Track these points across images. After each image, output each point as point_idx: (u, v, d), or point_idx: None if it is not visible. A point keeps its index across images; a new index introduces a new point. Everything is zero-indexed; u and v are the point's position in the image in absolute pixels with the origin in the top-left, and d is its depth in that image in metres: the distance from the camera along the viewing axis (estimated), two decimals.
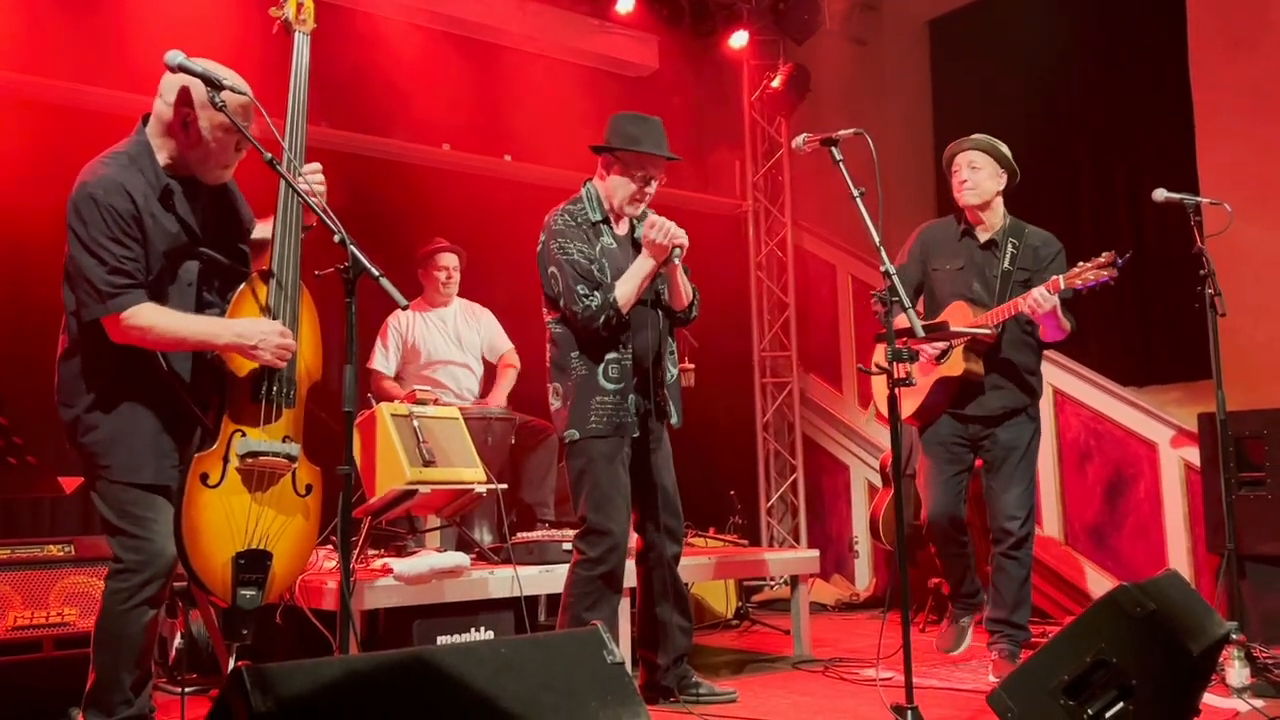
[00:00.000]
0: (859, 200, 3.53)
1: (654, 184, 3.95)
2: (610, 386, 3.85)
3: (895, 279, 3.46)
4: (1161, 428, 6.08)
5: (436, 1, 6.94)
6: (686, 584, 6.03)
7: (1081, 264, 4.16)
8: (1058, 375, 6.50)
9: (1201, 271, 4.39)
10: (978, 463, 4.60)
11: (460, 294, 5.93)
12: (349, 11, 6.47)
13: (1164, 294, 7.08)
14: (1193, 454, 5.72)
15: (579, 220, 3.94)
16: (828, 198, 7.58)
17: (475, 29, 7.18)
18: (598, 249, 3.90)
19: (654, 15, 7.48)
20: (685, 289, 4.00)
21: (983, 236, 4.55)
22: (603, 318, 3.77)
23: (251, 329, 3.07)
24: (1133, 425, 6.20)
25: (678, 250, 3.81)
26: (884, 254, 3.51)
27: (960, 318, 4.41)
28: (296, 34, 3.42)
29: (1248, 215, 5.19)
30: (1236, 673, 3.83)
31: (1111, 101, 7.54)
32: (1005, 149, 4.55)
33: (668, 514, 4.01)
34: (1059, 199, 7.67)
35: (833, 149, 3.62)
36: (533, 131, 7.03)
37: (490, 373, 5.93)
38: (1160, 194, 4.50)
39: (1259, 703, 3.71)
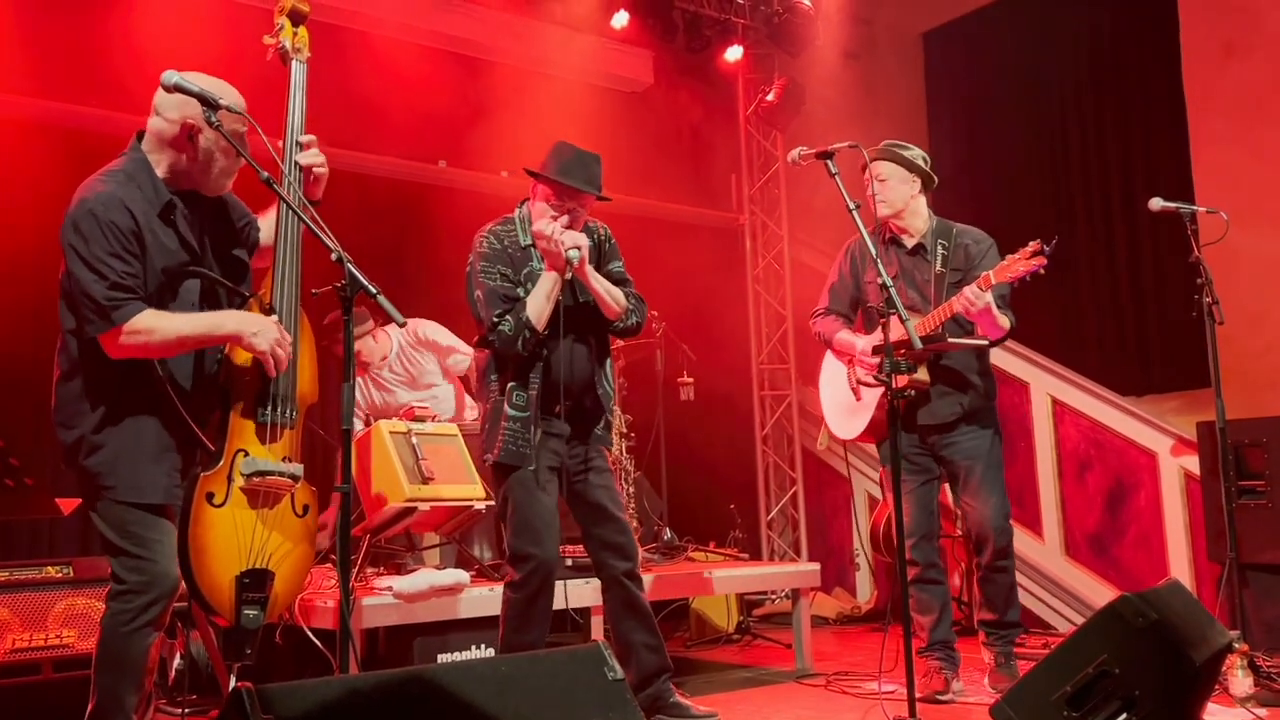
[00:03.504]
0: (855, 213, 3.54)
1: (570, 218, 3.77)
2: (514, 413, 3.76)
3: (892, 291, 3.47)
4: (1161, 437, 6.07)
5: (431, 19, 6.96)
6: (687, 599, 6.08)
7: (1010, 256, 4.08)
8: (1056, 385, 6.51)
9: (1199, 280, 4.40)
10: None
11: (435, 317, 5.82)
12: (343, 30, 6.49)
13: (1161, 303, 7.11)
14: (1192, 463, 5.72)
15: (506, 243, 3.85)
16: (824, 210, 7.59)
17: (470, 45, 7.20)
18: (523, 274, 3.81)
19: (648, 31, 7.50)
20: (610, 296, 3.84)
21: (909, 242, 4.48)
22: (519, 341, 3.69)
23: (253, 319, 3.10)
24: (1132, 434, 6.20)
25: (574, 253, 3.68)
26: (880, 266, 3.52)
27: (898, 326, 4.33)
28: (293, 63, 3.43)
29: (1243, 221, 5.19)
30: (1239, 682, 3.82)
31: (1105, 110, 7.58)
32: (914, 152, 4.47)
33: (609, 530, 3.91)
34: (1054, 209, 7.70)
35: (828, 162, 3.63)
36: (529, 147, 7.03)
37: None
38: (1156, 203, 4.51)
39: (1262, 712, 3.70)
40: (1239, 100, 6.52)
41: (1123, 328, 7.43)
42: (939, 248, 4.42)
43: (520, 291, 3.77)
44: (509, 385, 3.79)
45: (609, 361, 4.02)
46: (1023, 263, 4.02)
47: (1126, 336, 7.42)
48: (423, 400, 5.50)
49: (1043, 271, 4.02)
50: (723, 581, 5.31)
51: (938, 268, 4.39)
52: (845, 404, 4.59)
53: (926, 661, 4.35)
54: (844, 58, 8.16)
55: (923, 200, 4.49)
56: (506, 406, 3.78)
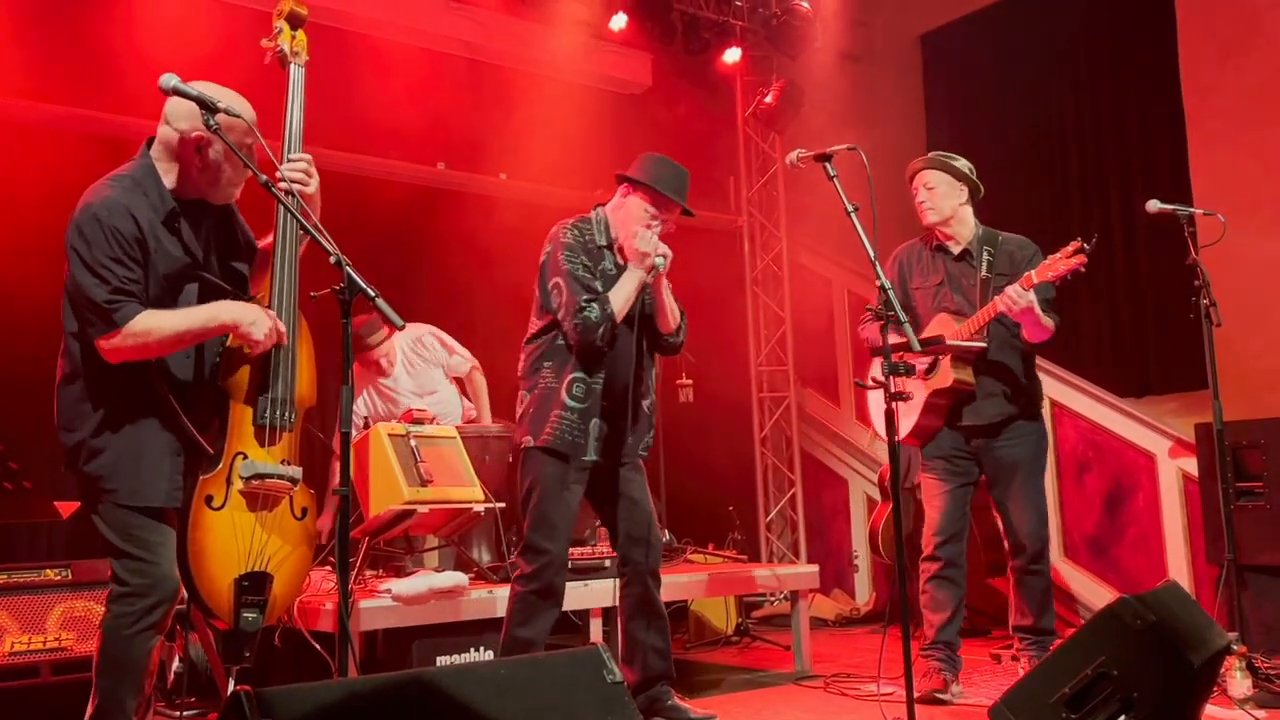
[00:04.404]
0: (853, 215, 3.54)
1: (661, 227, 3.92)
2: (572, 404, 3.82)
3: (890, 293, 3.47)
4: (1159, 438, 6.07)
5: (429, 21, 6.97)
6: (686, 601, 6.07)
7: (1051, 256, 4.19)
8: (1055, 387, 6.50)
9: (1196, 282, 4.41)
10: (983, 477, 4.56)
11: (435, 319, 5.86)
12: (342, 32, 6.50)
13: (1159, 305, 7.11)
14: (1191, 464, 5.72)
15: (585, 239, 3.96)
16: (823, 212, 7.59)
17: (468, 48, 7.21)
18: (598, 270, 3.91)
19: (646, 33, 7.50)
20: (672, 310, 3.98)
21: (955, 249, 4.58)
22: (601, 329, 3.76)
23: (248, 308, 3.11)
24: (1130, 436, 6.20)
25: (660, 260, 3.80)
26: (879, 268, 3.52)
27: (944, 330, 4.43)
28: (292, 66, 3.43)
29: (1240, 223, 5.20)
30: (1238, 683, 3.83)
31: (1103, 111, 7.58)
32: (961, 163, 4.57)
33: (641, 526, 3.97)
34: (1051, 210, 7.70)
35: (827, 164, 3.64)
36: (527, 149, 7.05)
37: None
38: (1154, 205, 4.52)
39: (1261, 713, 3.70)
40: (1237, 101, 6.52)
41: (1121, 329, 7.43)
42: (985, 254, 4.50)
43: (597, 284, 3.86)
44: (571, 377, 3.84)
45: (654, 369, 4.10)
46: (1063, 261, 4.13)
47: (1124, 338, 7.42)
48: (427, 405, 5.53)
49: (1083, 270, 4.12)
50: (721, 583, 5.31)
51: (983, 273, 4.47)
52: None
53: (927, 661, 4.36)
54: (842, 60, 8.17)
55: (969, 209, 4.59)
56: (565, 396, 3.83)
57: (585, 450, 3.83)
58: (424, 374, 5.74)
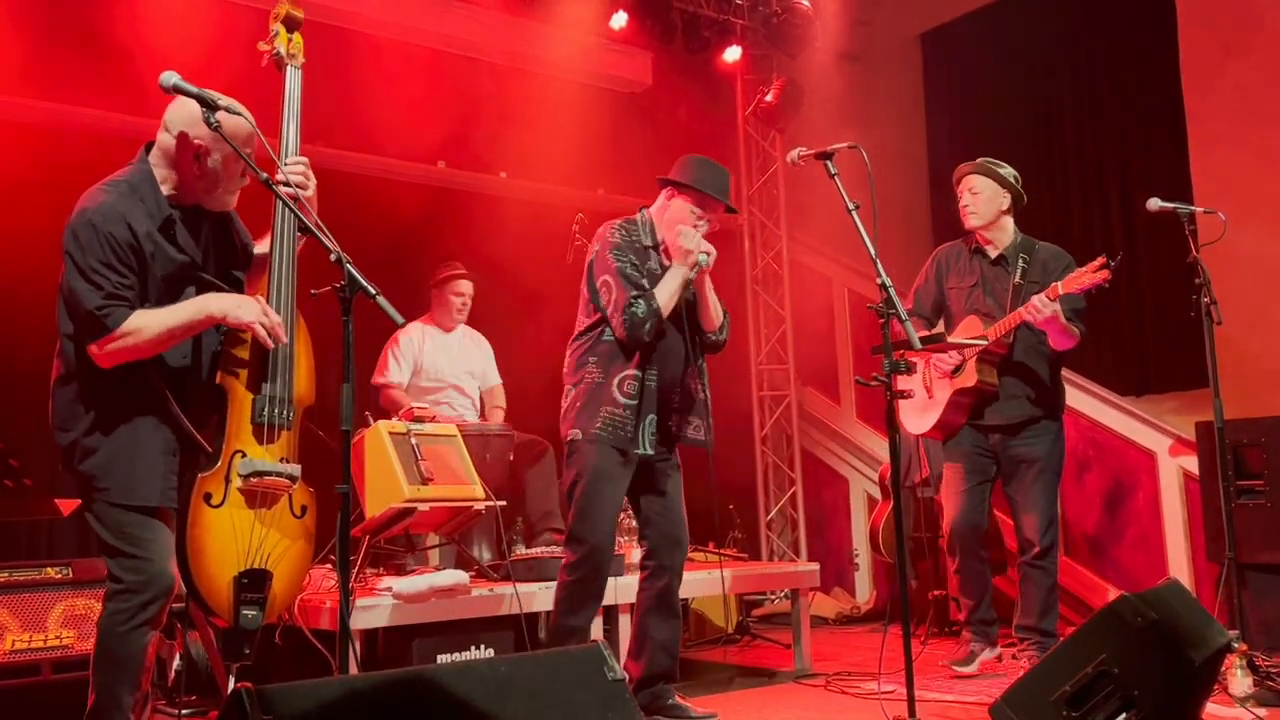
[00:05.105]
0: (854, 213, 3.56)
1: (707, 226, 4.00)
2: (624, 400, 3.89)
3: (891, 291, 3.49)
4: (1159, 436, 6.07)
5: (430, 20, 6.96)
6: (686, 600, 6.07)
7: (1078, 270, 4.34)
8: None
9: (1197, 280, 4.42)
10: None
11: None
12: (342, 30, 6.49)
13: (1160, 303, 7.11)
14: (1191, 463, 5.72)
15: (632, 238, 4.02)
16: (823, 211, 7.58)
17: (468, 46, 7.20)
18: (644, 269, 3.98)
19: (647, 32, 7.50)
20: (715, 308, 4.07)
21: (992, 253, 4.72)
22: (648, 324, 3.83)
23: (234, 297, 3.13)
24: (1131, 434, 6.20)
25: (704, 257, 3.88)
26: (879, 266, 3.52)
27: (972, 331, 4.59)
28: (289, 69, 3.43)
29: (1241, 222, 5.19)
30: (1239, 682, 3.82)
31: (1103, 110, 7.58)
32: (1007, 170, 4.68)
33: (673, 524, 4.07)
34: (1052, 209, 7.70)
35: (827, 163, 3.66)
36: (528, 148, 7.04)
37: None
38: (1154, 203, 4.54)
39: (1262, 711, 3.70)
40: (1237, 100, 6.52)
41: (1121, 328, 7.43)
42: (1020, 260, 4.65)
43: (645, 282, 3.93)
44: (623, 374, 3.91)
45: (704, 364, 4.16)
46: (1088, 275, 4.29)
47: (1125, 336, 7.42)
48: (462, 381, 5.77)
49: (1107, 285, 4.29)
50: (722, 581, 5.30)
51: (1016, 279, 4.62)
52: (919, 401, 4.82)
53: (963, 633, 4.82)
54: (842, 59, 8.16)
55: (1011, 216, 4.73)
56: (616, 393, 3.90)
57: (637, 444, 3.90)
58: (472, 358, 5.90)
